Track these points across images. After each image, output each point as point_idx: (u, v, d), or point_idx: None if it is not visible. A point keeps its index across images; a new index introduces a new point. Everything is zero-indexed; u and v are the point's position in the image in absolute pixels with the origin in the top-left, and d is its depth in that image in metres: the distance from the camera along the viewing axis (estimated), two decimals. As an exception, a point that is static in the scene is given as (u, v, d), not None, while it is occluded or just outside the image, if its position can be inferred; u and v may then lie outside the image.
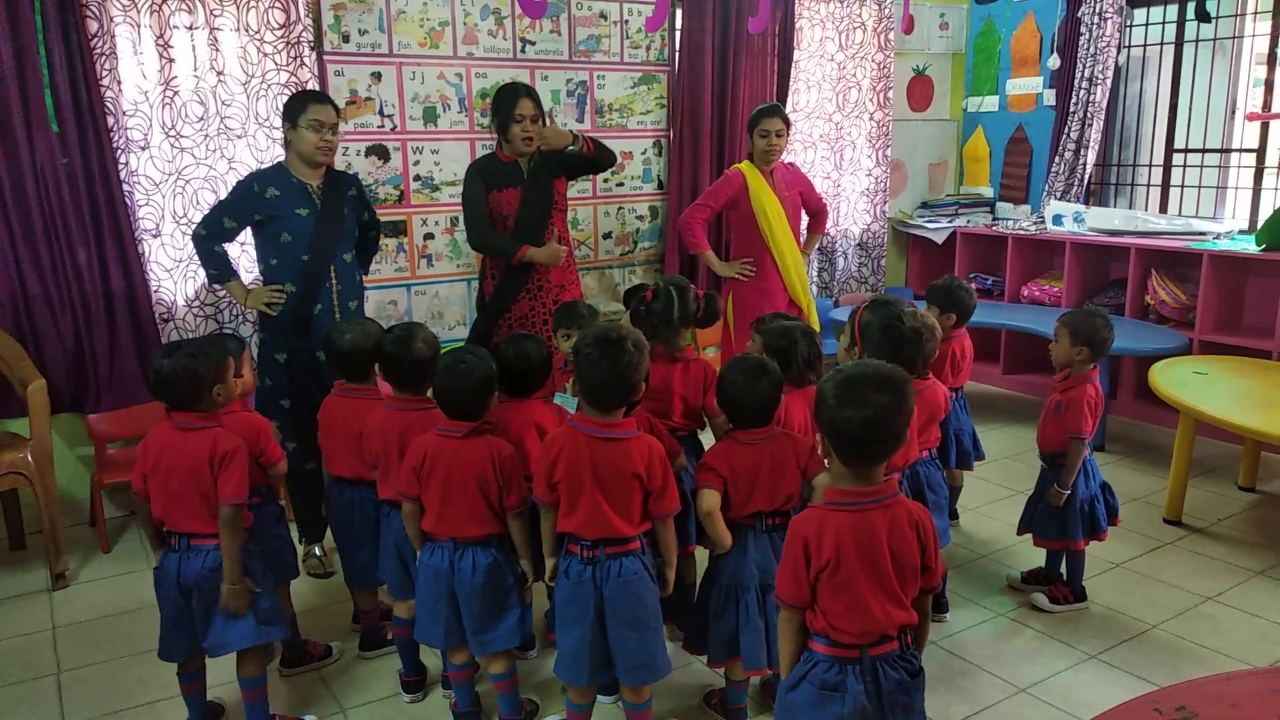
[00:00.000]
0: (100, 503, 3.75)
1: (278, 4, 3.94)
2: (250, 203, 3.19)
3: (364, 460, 2.68)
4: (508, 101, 3.51)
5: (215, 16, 3.83)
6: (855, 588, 1.77)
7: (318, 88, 4.08)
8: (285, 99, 3.42)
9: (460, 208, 3.62)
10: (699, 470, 2.41)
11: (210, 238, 3.23)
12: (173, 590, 2.33)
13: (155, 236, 3.87)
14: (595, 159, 3.66)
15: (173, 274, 3.93)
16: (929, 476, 2.89)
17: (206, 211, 3.31)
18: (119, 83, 3.68)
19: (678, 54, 5.03)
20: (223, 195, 3.88)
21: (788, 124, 4.16)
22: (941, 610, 3.14)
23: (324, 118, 3.20)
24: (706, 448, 2.54)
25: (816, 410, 1.82)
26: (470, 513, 2.35)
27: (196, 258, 3.38)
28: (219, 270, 3.28)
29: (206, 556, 2.32)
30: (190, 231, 3.89)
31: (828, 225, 5.69)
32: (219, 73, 3.88)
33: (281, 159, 3.33)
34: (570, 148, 3.59)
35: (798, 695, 1.83)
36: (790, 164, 4.38)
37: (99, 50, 3.61)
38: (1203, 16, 5.05)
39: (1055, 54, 5.60)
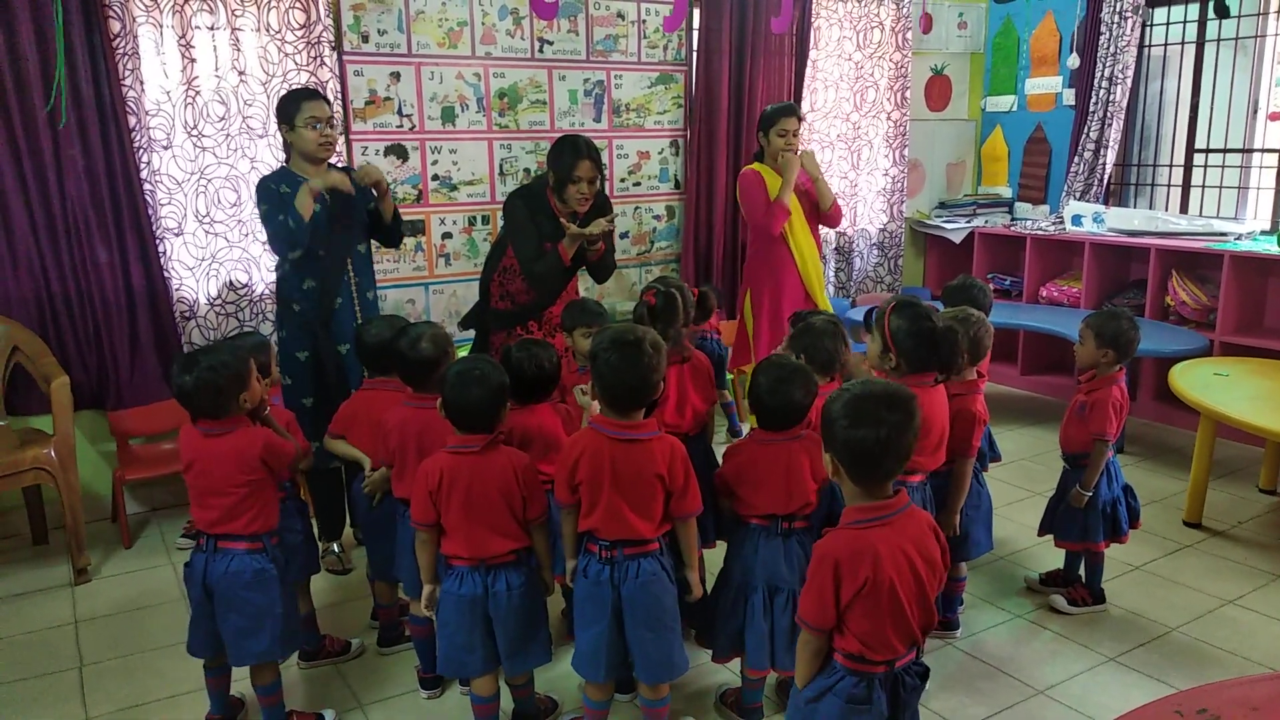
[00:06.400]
0: (122, 498, 3.78)
1: (298, 4, 3.97)
2: (279, 198, 3.16)
3: (378, 456, 2.68)
4: (569, 160, 3.33)
5: (236, 17, 3.86)
6: (895, 598, 1.77)
7: (338, 87, 4.11)
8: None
9: (477, 207, 3.57)
10: (716, 477, 2.46)
11: (280, 227, 3.10)
12: (198, 589, 2.36)
13: (178, 235, 3.90)
14: (601, 260, 3.53)
15: (194, 272, 3.96)
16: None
17: (267, 229, 3.17)
18: (141, 82, 3.71)
19: (695, 54, 5.03)
20: (244, 195, 3.94)
21: (802, 122, 4.19)
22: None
23: (319, 114, 3.19)
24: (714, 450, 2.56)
25: (826, 432, 1.82)
26: (498, 528, 2.27)
27: (286, 245, 3.14)
28: (295, 221, 3.06)
29: (231, 560, 2.33)
30: (210, 229, 3.95)
31: (843, 225, 5.71)
32: (240, 73, 3.91)
33: (283, 162, 3.32)
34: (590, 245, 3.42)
35: (822, 706, 1.84)
36: None
37: (121, 50, 3.64)
38: (1222, 12, 5.01)
39: (1075, 53, 5.57)
